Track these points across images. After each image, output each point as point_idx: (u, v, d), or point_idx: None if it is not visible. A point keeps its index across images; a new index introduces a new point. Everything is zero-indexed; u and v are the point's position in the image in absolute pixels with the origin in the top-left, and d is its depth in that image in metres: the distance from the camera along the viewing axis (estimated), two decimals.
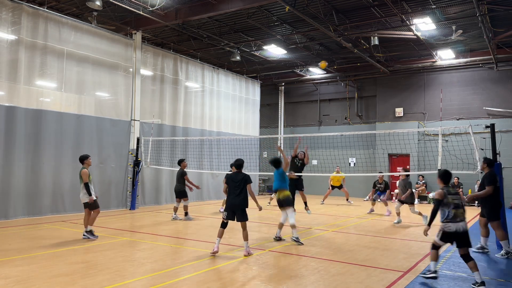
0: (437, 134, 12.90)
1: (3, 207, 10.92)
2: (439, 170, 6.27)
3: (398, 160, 19.63)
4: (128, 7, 12.45)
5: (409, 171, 11.15)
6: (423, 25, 13.77)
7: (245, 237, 7.28)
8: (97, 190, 13.20)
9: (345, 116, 21.63)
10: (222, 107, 19.10)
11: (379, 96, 20.44)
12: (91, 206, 8.55)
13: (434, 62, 18.05)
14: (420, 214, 11.45)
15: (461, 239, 5.71)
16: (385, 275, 6.15)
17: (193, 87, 17.62)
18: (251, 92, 21.32)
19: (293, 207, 8.67)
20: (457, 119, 18.21)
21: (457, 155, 12.57)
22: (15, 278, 5.68)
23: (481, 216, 7.92)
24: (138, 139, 14.50)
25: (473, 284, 5.58)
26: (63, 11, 13.44)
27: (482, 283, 5.49)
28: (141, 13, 12.92)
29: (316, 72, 21.12)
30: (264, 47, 16.89)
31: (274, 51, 17.19)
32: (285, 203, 8.44)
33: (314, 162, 20.97)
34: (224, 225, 7.33)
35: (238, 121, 20.24)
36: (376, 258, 7.28)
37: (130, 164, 14.30)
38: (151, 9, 12.98)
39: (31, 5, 11.71)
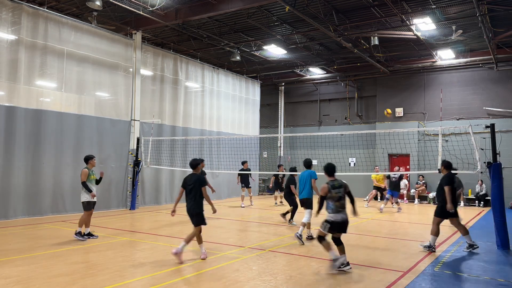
0: (437, 134, 12.89)
1: (3, 207, 10.92)
2: (328, 163, 6.73)
3: (398, 160, 19.62)
4: (128, 7, 12.45)
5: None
6: (423, 25, 13.77)
7: (199, 241, 6.93)
8: (97, 190, 13.29)
9: (345, 116, 21.63)
10: (222, 107, 19.10)
11: (379, 96, 20.43)
12: (87, 207, 8.51)
13: (434, 62, 18.04)
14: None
15: (342, 227, 6.36)
16: (385, 275, 6.15)
17: (193, 87, 17.62)
18: (251, 92, 21.32)
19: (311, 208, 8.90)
20: (457, 119, 18.21)
21: (457, 155, 12.57)
22: (15, 278, 5.68)
23: (451, 217, 7.96)
24: (138, 139, 14.50)
25: (341, 264, 6.21)
26: (63, 11, 13.44)
27: (347, 263, 6.25)
28: (141, 13, 12.91)
29: (316, 72, 21.13)
30: (264, 47, 16.88)
31: (274, 51, 17.18)
32: (308, 205, 8.95)
33: (314, 162, 20.92)
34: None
35: (238, 121, 20.24)
36: (376, 258, 7.29)
37: (130, 164, 14.30)
38: (151, 9, 12.98)
39: (31, 5, 11.70)
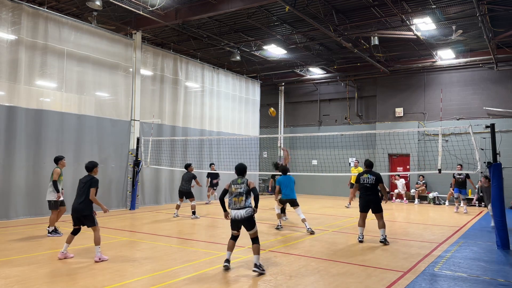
0: (437, 134, 12.89)
1: (4, 207, 10.92)
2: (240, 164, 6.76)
3: (398, 160, 19.63)
4: (128, 7, 12.45)
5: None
6: (423, 25, 13.77)
7: (96, 242, 6.76)
8: (98, 190, 13.27)
9: (345, 116, 21.63)
10: (222, 107, 19.09)
11: (379, 96, 20.43)
12: (54, 206, 8.75)
13: (434, 62, 18.04)
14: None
15: (245, 224, 6.25)
16: (385, 275, 6.15)
17: (193, 87, 17.62)
18: (251, 92, 21.32)
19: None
20: (457, 119, 18.20)
21: (457, 155, 12.58)
22: (16, 278, 5.68)
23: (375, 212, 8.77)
24: (138, 139, 14.50)
25: (256, 267, 6.07)
26: (63, 11, 13.44)
27: (260, 266, 6.12)
28: (141, 13, 12.92)
29: (316, 72, 21.13)
30: (264, 47, 16.88)
31: (274, 51, 17.18)
32: (295, 204, 10.22)
33: (314, 162, 21.00)
34: (74, 232, 7.04)
35: (238, 121, 20.24)
36: (376, 258, 7.29)
37: (130, 164, 14.31)
38: (151, 9, 12.98)
39: (31, 5, 11.70)
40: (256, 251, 6.18)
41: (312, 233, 9.63)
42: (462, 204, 14.94)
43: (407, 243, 8.75)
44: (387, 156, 18.96)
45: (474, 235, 9.88)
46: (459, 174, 14.16)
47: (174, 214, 12.29)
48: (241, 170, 6.70)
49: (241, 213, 6.25)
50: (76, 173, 12.67)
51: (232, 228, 6.42)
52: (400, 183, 18.59)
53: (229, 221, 6.44)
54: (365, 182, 8.70)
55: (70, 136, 12.55)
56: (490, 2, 12.05)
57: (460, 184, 14.65)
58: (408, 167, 19.13)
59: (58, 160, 9.09)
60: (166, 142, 15.60)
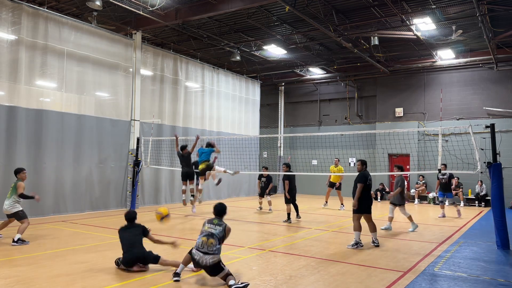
0: (437, 134, 12.88)
1: None
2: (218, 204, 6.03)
3: (398, 160, 19.62)
4: (128, 7, 12.45)
5: (403, 168, 10.27)
6: (423, 25, 13.77)
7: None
8: (97, 190, 13.33)
9: (345, 116, 21.63)
10: (222, 107, 19.10)
11: (379, 96, 20.43)
12: (24, 215, 8.34)
13: (434, 62, 18.04)
14: (410, 219, 10.30)
15: (208, 271, 5.57)
16: (385, 275, 6.15)
17: (193, 87, 17.62)
18: (251, 92, 21.32)
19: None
20: (457, 119, 18.21)
21: (457, 155, 12.58)
22: (16, 278, 5.68)
23: (366, 213, 8.34)
24: (138, 139, 14.50)
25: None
26: (63, 11, 13.44)
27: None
28: (141, 13, 12.92)
29: (316, 72, 21.13)
30: (264, 47, 16.88)
31: (274, 51, 17.18)
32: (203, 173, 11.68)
33: (314, 162, 21.00)
34: None
35: (238, 121, 20.24)
36: (376, 258, 7.29)
37: (130, 164, 14.31)
38: (151, 9, 12.99)
39: (31, 5, 11.71)
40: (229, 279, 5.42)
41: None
42: (455, 206, 13.52)
43: (407, 243, 8.75)
44: (387, 156, 18.96)
45: (474, 235, 9.88)
46: (443, 175, 12.80)
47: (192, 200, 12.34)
48: (220, 211, 5.91)
49: (207, 259, 5.48)
50: (76, 173, 12.71)
51: (194, 265, 5.75)
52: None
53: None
54: (371, 183, 8.47)
55: (70, 136, 12.55)
56: (490, 2, 12.04)
57: (444, 187, 13.18)
58: (408, 167, 19.13)
59: (18, 172, 8.64)
60: (166, 142, 15.59)
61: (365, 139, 19.42)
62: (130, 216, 6.51)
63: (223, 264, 5.57)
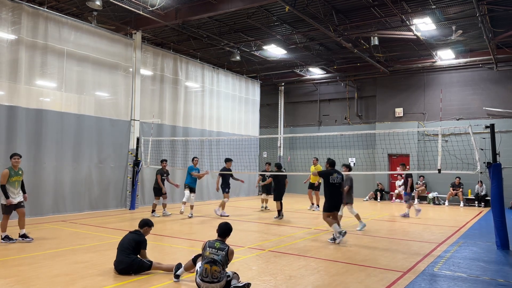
0: (437, 134, 12.88)
1: None
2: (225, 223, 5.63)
3: (398, 160, 19.61)
4: (128, 7, 12.45)
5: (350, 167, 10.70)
6: (423, 25, 13.76)
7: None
8: (96, 190, 13.32)
9: (345, 116, 21.63)
10: (222, 107, 19.10)
11: (379, 96, 20.44)
12: (5, 210, 7.98)
13: (434, 62, 18.04)
14: (357, 217, 10.40)
15: None
16: (384, 275, 6.16)
17: (193, 87, 17.62)
18: (251, 92, 21.32)
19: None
20: (457, 119, 18.21)
21: (457, 155, 12.57)
22: (15, 278, 5.68)
23: (331, 211, 8.76)
24: (138, 139, 14.50)
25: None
26: (63, 10, 13.44)
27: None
28: (141, 13, 12.91)
29: (316, 72, 21.13)
30: (264, 47, 16.88)
31: (274, 51, 17.18)
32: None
33: None
34: None
35: (238, 121, 20.24)
36: (376, 258, 7.29)
37: (129, 164, 14.30)
38: (151, 9, 12.98)
39: (31, 5, 11.70)
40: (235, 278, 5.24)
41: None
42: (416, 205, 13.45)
43: (407, 243, 8.76)
44: (387, 156, 18.97)
45: (473, 235, 9.89)
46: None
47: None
48: (225, 231, 5.47)
49: (213, 287, 5.08)
50: (75, 173, 12.70)
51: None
52: (401, 183, 18.56)
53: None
54: (335, 181, 8.65)
55: (70, 135, 12.54)
56: (490, 2, 12.05)
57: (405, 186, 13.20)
58: (408, 167, 19.12)
59: (10, 158, 8.12)
60: (166, 142, 15.60)
61: (365, 139, 19.43)
62: (141, 222, 6.39)
63: (229, 279, 5.23)
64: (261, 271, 6.29)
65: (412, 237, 9.51)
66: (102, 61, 13.53)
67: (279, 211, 12.41)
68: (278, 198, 12.53)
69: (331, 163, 9.01)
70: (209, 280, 5.09)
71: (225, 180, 13.15)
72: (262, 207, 14.78)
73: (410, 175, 12.84)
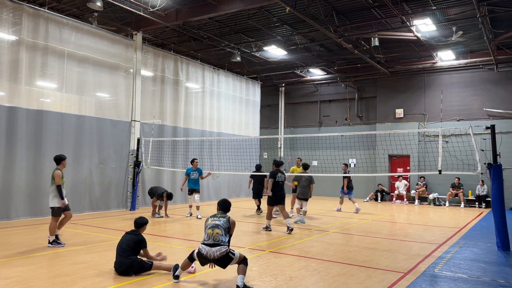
0: (438, 135, 12.88)
1: (5, 207, 10.92)
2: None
3: (399, 161, 19.63)
4: (128, 8, 12.46)
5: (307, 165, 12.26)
6: (424, 26, 13.78)
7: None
8: (97, 191, 13.34)
9: (345, 117, 21.64)
10: (223, 108, 19.11)
11: (379, 97, 20.44)
12: (57, 213, 7.81)
13: (434, 63, 18.04)
14: (303, 213, 11.73)
15: (219, 264, 5.41)
16: (385, 276, 6.15)
17: (194, 87, 17.63)
18: (252, 93, 21.33)
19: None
20: (458, 120, 18.21)
21: (458, 156, 12.57)
22: (16, 278, 5.68)
23: (280, 204, 10.06)
24: (138, 140, 14.51)
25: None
26: (64, 11, 13.46)
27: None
28: (142, 14, 12.93)
29: (316, 73, 21.14)
30: (265, 48, 16.89)
31: (275, 52, 17.20)
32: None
33: (315, 163, 21.00)
34: None
35: (239, 122, 20.25)
36: (377, 259, 7.29)
37: (130, 165, 14.31)
38: (151, 10, 13.00)
39: (32, 6, 11.72)
40: (241, 271, 5.25)
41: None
42: (353, 202, 14.51)
43: (407, 244, 8.75)
44: (387, 157, 18.97)
45: (474, 236, 9.88)
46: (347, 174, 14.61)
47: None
48: (225, 206, 5.84)
49: (214, 252, 5.28)
50: (76, 174, 12.71)
51: (200, 263, 5.53)
52: (403, 184, 18.58)
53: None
54: (279, 180, 10.05)
55: (70, 136, 12.55)
56: (490, 3, 12.06)
57: (348, 185, 14.60)
58: (408, 168, 19.13)
59: (60, 160, 7.97)
60: (166, 142, 15.60)
61: (366, 140, 19.43)
62: (137, 222, 6.31)
63: (232, 253, 5.32)
64: (262, 272, 6.29)
65: (412, 238, 9.51)
66: (102, 62, 13.54)
67: (258, 206, 13.58)
68: (256, 196, 13.60)
69: (277, 164, 10.38)
70: (211, 243, 5.30)
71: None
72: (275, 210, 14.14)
73: (346, 177, 14.43)
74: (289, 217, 10.00)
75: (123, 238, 6.17)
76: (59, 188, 7.76)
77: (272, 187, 9.92)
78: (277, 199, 10.03)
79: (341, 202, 14.96)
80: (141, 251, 6.15)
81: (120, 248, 6.04)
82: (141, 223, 6.32)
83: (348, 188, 14.53)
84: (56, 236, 7.91)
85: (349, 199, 14.62)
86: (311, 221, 12.12)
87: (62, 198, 7.80)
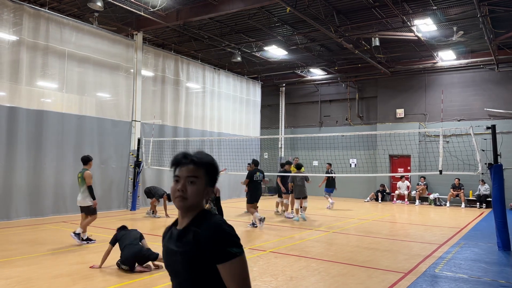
0: (438, 135, 12.87)
1: (5, 208, 10.92)
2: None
3: (399, 161, 19.61)
4: (129, 8, 12.47)
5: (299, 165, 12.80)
6: (424, 26, 13.76)
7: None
8: (98, 191, 13.30)
9: (346, 117, 21.62)
10: (223, 108, 19.10)
11: (380, 97, 20.42)
12: (92, 211, 8.07)
13: (435, 63, 18.02)
14: (286, 208, 12.64)
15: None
16: (385, 276, 6.15)
17: (194, 88, 17.63)
18: (252, 93, 21.33)
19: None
20: (458, 120, 18.19)
21: (458, 156, 12.56)
22: (16, 278, 5.68)
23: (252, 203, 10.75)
24: (139, 140, 14.51)
25: None
26: (64, 12, 13.46)
27: None
28: (142, 14, 12.93)
29: (316, 73, 21.13)
30: (265, 48, 16.88)
31: (275, 52, 17.19)
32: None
33: (315, 163, 20.99)
34: None
35: (239, 122, 20.24)
36: (377, 259, 7.28)
37: (131, 165, 14.31)
38: (152, 10, 13.00)
39: (33, 6, 11.73)
40: None
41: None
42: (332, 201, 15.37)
43: (408, 244, 8.74)
44: (388, 157, 18.95)
45: (475, 236, 9.87)
46: (330, 173, 15.21)
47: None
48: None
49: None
50: (76, 174, 12.64)
51: None
52: (404, 185, 18.55)
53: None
54: (257, 179, 10.72)
55: (71, 136, 12.55)
56: (491, 3, 12.04)
57: (330, 183, 15.34)
58: (409, 168, 19.11)
59: (88, 160, 8.12)
60: (167, 142, 15.60)
61: (366, 140, 19.41)
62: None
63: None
64: (262, 272, 6.28)
65: (413, 238, 9.50)
66: (103, 62, 13.54)
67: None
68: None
69: (255, 163, 11.06)
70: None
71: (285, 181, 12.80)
72: (276, 211, 13.91)
73: (329, 176, 15.24)
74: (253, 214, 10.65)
75: (127, 231, 6.53)
76: (90, 189, 7.99)
77: (251, 186, 10.60)
78: (257, 197, 10.76)
79: (327, 198, 15.56)
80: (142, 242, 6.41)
81: (128, 238, 6.28)
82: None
83: (329, 186, 15.25)
84: (79, 234, 8.04)
85: (324, 195, 15.56)
86: (311, 221, 12.12)
87: (94, 198, 8.06)
